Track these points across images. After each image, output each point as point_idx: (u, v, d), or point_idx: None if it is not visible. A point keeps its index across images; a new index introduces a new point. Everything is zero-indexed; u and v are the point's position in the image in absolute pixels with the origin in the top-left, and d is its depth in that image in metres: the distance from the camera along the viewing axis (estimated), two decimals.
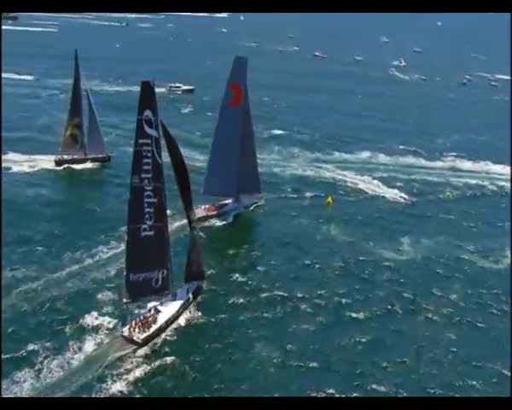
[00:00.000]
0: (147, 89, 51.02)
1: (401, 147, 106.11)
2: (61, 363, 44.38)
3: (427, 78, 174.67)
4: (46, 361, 44.32)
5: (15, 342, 46.10)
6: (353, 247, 67.56)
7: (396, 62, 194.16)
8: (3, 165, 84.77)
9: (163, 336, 49.66)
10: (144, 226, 51.39)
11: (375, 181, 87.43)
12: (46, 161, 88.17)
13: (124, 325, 49.08)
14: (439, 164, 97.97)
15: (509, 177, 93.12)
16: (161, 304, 53.11)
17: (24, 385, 41.79)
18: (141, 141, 50.50)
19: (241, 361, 46.72)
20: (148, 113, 50.63)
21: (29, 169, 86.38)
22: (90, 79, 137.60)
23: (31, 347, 45.76)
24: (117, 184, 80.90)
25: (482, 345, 50.53)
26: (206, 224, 71.34)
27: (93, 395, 41.29)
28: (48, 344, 46.33)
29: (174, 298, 54.19)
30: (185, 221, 59.31)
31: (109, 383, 42.58)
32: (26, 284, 54.84)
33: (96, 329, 49.14)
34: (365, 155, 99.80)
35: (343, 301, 55.74)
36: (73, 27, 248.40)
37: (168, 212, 53.37)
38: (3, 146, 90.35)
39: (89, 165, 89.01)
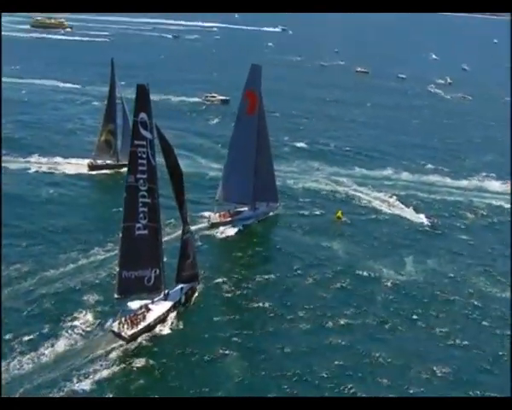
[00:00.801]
0: (142, 92, 52.31)
1: (428, 164, 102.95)
2: (49, 352, 47.01)
3: (471, 96, 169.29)
4: (34, 351, 46.88)
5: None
6: (355, 263, 66.13)
7: (441, 80, 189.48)
8: (36, 165, 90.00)
9: (151, 334, 50.81)
10: (138, 225, 52.64)
11: (392, 199, 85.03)
12: (80, 165, 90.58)
13: (114, 320, 50.54)
14: (463, 183, 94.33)
15: None
16: (152, 303, 54.33)
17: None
18: (136, 142, 52.02)
19: (220, 367, 47.22)
20: (143, 115, 52.02)
21: (62, 171, 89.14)
22: (129, 87, 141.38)
23: (18, 338, 48.11)
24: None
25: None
26: (217, 230, 71.84)
27: (76, 384, 43.70)
28: (36, 336, 48.74)
29: (166, 298, 55.30)
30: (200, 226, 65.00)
31: (92, 374, 44.92)
32: (19, 281, 56.58)
33: (86, 324, 51.11)
34: (387, 171, 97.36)
35: (330, 315, 55.30)
36: (125, 37, 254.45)
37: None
38: (36, 148, 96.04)
39: (120, 171, 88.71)
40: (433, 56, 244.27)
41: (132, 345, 49.08)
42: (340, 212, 78.12)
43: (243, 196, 75.93)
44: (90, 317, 52.41)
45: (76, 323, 51.30)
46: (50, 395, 42.26)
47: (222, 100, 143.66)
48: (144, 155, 52.20)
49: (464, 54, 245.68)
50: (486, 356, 51.09)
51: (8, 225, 67.68)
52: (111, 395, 43.21)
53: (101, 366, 46.09)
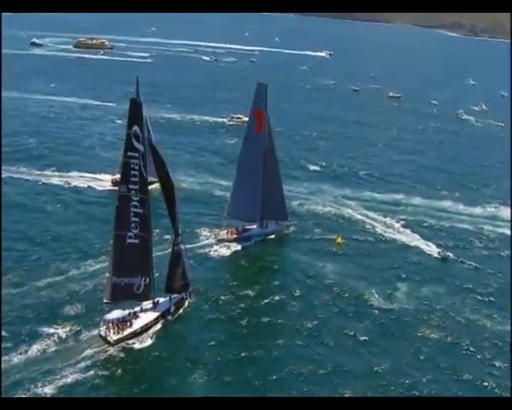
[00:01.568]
0: (135, 106, 54.74)
1: (443, 190, 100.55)
2: (40, 351, 49.83)
3: (503, 123, 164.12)
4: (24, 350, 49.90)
5: None
6: (345, 288, 65.06)
7: (475, 107, 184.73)
8: (48, 178, 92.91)
9: (137, 340, 52.55)
10: (130, 234, 54.61)
11: (398, 224, 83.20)
12: (104, 181, 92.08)
13: (102, 325, 52.77)
14: (477, 211, 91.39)
15: None
16: (141, 310, 56.09)
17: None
18: (129, 154, 54.09)
19: (194, 378, 48.53)
20: (136, 128, 54.14)
21: (73, 185, 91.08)
22: (159, 106, 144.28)
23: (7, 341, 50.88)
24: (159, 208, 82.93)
25: None
26: (222, 246, 72.70)
27: (60, 381, 46.34)
28: (25, 338, 51.51)
29: (155, 306, 56.97)
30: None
31: (75, 372, 47.72)
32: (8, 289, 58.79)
33: (73, 329, 53.24)
34: (399, 195, 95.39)
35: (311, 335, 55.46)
36: (164, 58, 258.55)
37: None
38: (52, 162, 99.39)
39: None
40: (471, 81, 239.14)
41: (117, 349, 51.11)
42: (339, 237, 76.72)
43: (251, 214, 76.55)
44: (77, 322, 54.16)
45: (63, 328, 53.27)
46: (36, 390, 45.23)
47: (247, 121, 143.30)
48: (137, 167, 53.98)
49: (505, 80, 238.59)
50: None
51: (7, 230, 70.81)
52: (91, 393, 45.55)
53: (86, 366, 48.35)
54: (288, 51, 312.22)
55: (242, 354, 51.97)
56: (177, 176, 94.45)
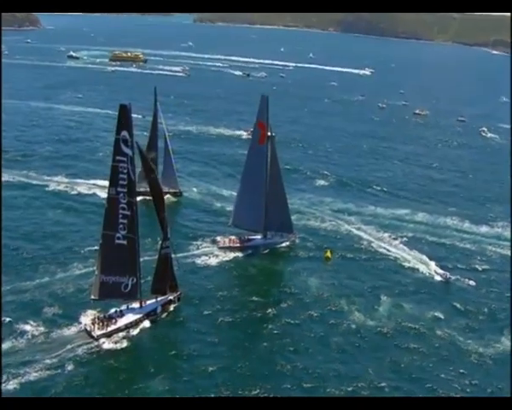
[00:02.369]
0: (124, 112, 56.06)
1: (451, 206, 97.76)
2: (27, 343, 52.38)
3: None
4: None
5: None
6: (325, 302, 63.99)
7: (503, 125, 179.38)
8: (56, 183, 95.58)
9: (122, 337, 54.59)
10: (118, 235, 56.70)
11: (396, 241, 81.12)
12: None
13: (89, 320, 55.46)
14: (482, 230, 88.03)
15: None
16: (127, 309, 58.00)
17: None
18: (118, 158, 55.88)
19: (156, 384, 49.07)
20: (124, 133, 55.68)
21: (78, 191, 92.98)
22: (179, 118, 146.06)
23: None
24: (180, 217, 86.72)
25: None
26: (222, 254, 73.69)
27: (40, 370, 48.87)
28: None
29: (141, 306, 58.78)
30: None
31: (57, 362, 50.27)
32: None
33: (62, 322, 55.88)
34: (403, 210, 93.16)
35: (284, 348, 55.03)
36: (196, 72, 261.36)
37: None
38: (62, 169, 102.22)
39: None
40: (504, 99, 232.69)
41: (99, 344, 53.34)
42: (329, 251, 75.57)
43: (254, 224, 77.27)
44: (67, 316, 56.99)
45: (53, 321, 56.13)
46: (17, 378, 47.70)
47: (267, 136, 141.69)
48: (125, 171, 55.87)
49: None
50: None
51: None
52: (68, 381, 48.21)
53: (68, 357, 50.88)
54: (322, 67, 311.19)
55: (219, 361, 52.50)
56: (185, 184, 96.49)
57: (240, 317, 60.11)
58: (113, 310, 57.54)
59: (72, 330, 54.78)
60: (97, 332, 53.92)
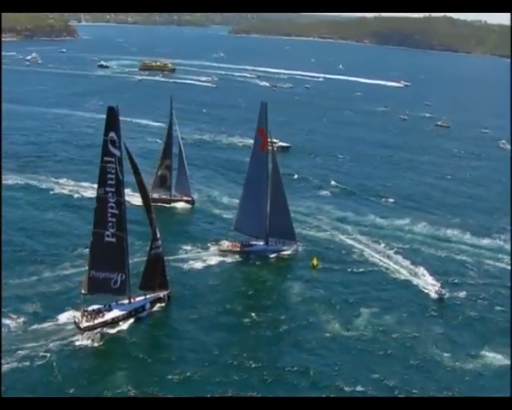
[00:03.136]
0: (112, 114, 58.47)
1: (456, 217, 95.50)
2: (15, 332, 54.98)
3: None
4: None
5: None
6: (303, 311, 63.42)
7: None
8: (59, 186, 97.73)
9: (108, 330, 56.97)
10: (107, 233, 59.07)
11: (390, 251, 79.68)
12: (135, 196, 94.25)
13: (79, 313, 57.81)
14: (484, 242, 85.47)
15: None
16: (116, 303, 60.13)
17: None
18: (106, 158, 57.96)
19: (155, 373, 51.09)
20: (112, 134, 57.89)
21: (81, 195, 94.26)
22: (195, 125, 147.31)
23: None
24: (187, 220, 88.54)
25: None
26: (222, 257, 75.17)
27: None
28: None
29: (130, 302, 60.76)
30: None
31: (39, 351, 52.82)
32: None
33: (54, 314, 58.37)
34: (403, 220, 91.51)
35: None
36: (223, 82, 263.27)
37: None
38: (71, 173, 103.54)
39: (173, 205, 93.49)
40: None
41: (85, 335, 55.83)
42: (315, 259, 75.05)
43: (256, 230, 78.08)
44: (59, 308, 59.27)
45: (45, 312, 58.73)
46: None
47: (282, 146, 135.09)
48: (113, 171, 57.99)
49: None
50: None
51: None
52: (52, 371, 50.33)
53: (54, 345, 53.61)
54: (350, 78, 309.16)
55: (199, 360, 53.59)
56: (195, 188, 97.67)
57: (223, 320, 60.95)
58: (102, 305, 59.79)
59: (61, 322, 57.27)
60: (84, 324, 56.20)
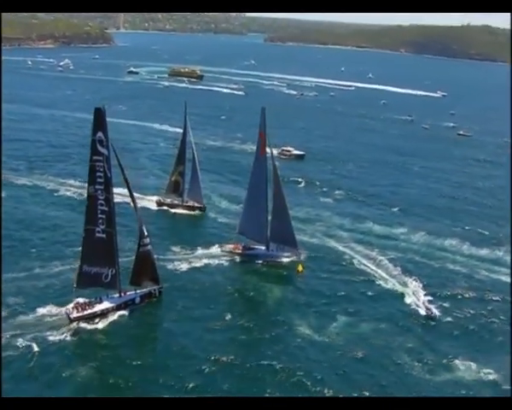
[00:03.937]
0: (99, 114, 61.02)
1: (457, 226, 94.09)
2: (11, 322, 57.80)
3: None
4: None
5: None
6: (277, 315, 63.99)
7: None
8: (66, 188, 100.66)
9: (95, 321, 59.88)
10: (98, 229, 61.74)
11: (381, 259, 78.48)
12: (148, 201, 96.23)
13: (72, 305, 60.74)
14: (482, 253, 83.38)
15: None
16: (107, 296, 62.74)
17: None
18: (94, 157, 60.61)
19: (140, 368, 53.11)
20: (100, 134, 60.50)
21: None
22: (208, 132, 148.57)
23: None
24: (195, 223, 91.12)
25: None
26: (222, 258, 77.01)
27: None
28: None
29: (120, 295, 63.30)
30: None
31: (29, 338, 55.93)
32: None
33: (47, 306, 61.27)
34: (401, 229, 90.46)
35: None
36: (252, 88, 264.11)
37: None
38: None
39: (184, 211, 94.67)
40: None
41: (75, 325, 58.86)
42: (300, 265, 75.30)
43: (257, 234, 79.04)
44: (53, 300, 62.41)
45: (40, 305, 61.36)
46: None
47: (296, 155, 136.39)
48: (101, 169, 60.76)
49: None
50: None
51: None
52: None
53: (46, 334, 56.87)
54: (378, 87, 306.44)
55: (181, 357, 55.14)
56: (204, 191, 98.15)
57: (204, 318, 62.23)
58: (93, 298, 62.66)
59: (54, 313, 60.24)
60: (74, 315, 59.03)
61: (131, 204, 67.07)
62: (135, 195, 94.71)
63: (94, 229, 61.73)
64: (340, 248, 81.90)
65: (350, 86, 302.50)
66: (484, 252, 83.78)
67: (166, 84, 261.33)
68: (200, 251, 78.23)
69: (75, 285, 62.22)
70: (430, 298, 67.65)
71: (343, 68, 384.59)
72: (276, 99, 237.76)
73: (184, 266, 73.66)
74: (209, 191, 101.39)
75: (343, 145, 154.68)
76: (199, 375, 52.23)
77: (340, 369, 54.07)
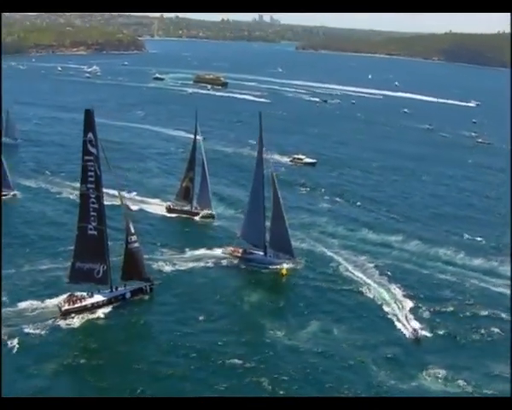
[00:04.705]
0: (89, 116, 63.88)
1: (455, 235, 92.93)
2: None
3: None
4: None
5: None
6: (256, 318, 64.67)
7: None
8: (69, 191, 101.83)
9: (85, 314, 62.33)
10: (90, 226, 64.48)
11: (369, 264, 78.62)
12: (158, 206, 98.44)
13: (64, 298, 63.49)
14: (475, 262, 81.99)
15: None
16: (98, 291, 65.11)
17: None
18: (86, 158, 63.50)
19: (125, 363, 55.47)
20: (90, 135, 63.29)
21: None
22: (219, 138, 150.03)
23: None
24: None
25: None
26: (221, 260, 78.51)
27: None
28: None
29: (111, 291, 65.68)
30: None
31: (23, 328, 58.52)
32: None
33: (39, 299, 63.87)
34: (395, 237, 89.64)
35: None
36: (275, 96, 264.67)
37: None
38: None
39: (193, 218, 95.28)
40: None
41: (66, 318, 61.38)
42: (284, 269, 75.88)
43: (255, 239, 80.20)
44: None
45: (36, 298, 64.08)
46: None
47: (307, 162, 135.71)
48: (92, 168, 63.52)
49: None
50: None
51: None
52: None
53: (40, 325, 59.36)
54: (403, 95, 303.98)
55: (162, 356, 56.55)
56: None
57: (185, 319, 63.37)
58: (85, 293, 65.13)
59: (48, 306, 62.77)
60: (65, 307, 61.64)
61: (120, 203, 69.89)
62: (145, 199, 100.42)
63: (86, 226, 64.46)
64: (329, 253, 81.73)
65: (374, 94, 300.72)
66: (477, 262, 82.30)
67: (190, 90, 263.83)
68: (201, 252, 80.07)
69: (67, 280, 65.13)
70: (412, 305, 67.33)
71: (370, 76, 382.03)
72: (297, 106, 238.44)
73: (184, 267, 75.22)
74: (215, 191, 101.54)
75: (356, 152, 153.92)
76: (172, 370, 54.12)
77: (307, 371, 54.42)
